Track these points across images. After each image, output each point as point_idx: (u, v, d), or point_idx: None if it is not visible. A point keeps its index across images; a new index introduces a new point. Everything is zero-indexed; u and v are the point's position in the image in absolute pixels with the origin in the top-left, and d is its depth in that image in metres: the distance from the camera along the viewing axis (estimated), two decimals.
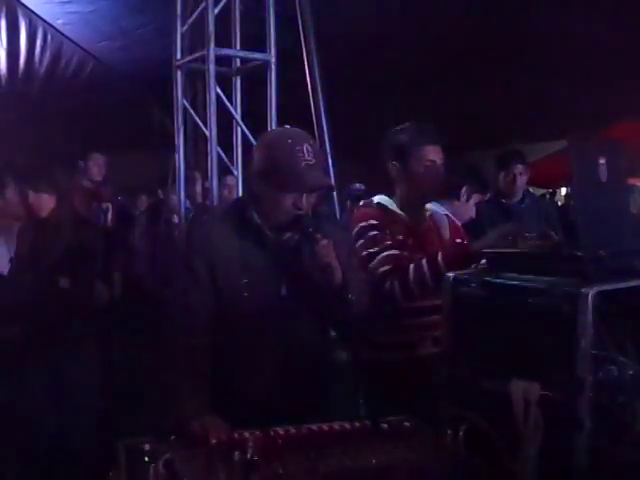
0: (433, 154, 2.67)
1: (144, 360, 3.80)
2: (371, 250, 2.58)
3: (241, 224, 2.20)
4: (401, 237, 2.64)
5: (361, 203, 2.82)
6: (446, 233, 2.81)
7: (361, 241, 2.61)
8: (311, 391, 2.25)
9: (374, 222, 2.63)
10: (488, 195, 4.57)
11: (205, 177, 4.16)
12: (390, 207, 2.71)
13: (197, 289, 2.17)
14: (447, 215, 2.89)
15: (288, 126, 2.30)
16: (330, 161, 3.76)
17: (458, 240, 2.78)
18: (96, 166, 5.32)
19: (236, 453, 1.67)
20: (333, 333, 2.58)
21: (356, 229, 2.64)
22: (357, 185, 6.93)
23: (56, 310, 3.33)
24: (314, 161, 2.14)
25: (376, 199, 2.74)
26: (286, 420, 1.98)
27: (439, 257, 2.46)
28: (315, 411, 2.17)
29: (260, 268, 2.18)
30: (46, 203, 3.53)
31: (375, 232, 2.60)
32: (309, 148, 2.15)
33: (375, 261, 2.56)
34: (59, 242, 3.52)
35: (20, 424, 3.29)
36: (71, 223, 3.64)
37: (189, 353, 2.12)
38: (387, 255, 2.56)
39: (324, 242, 2.15)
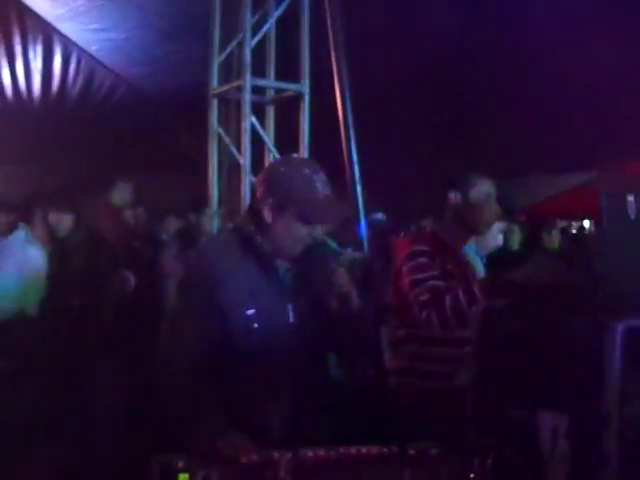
0: (491, 188, 2.74)
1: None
2: (417, 277, 2.60)
3: (248, 253, 2.16)
4: (449, 267, 2.66)
5: (413, 228, 2.83)
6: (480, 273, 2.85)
7: (409, 264, 2.63)
8: (318, 419, 2.23)
9: (425, 248, 2.65)
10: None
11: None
12: (442, 235, 2.76)
13: (197, 317, 2.13)
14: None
15: (295, 155, 2.27)
16: (359, 189, 3.82)
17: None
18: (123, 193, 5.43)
19: (268, 472, 1.70)
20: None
21: (407, 252, 2.67)
22: (379, 215, 6.83)
23: (66, 328, 3.42)
24: (330, 192, 2.15)
25: (429, 226, 2.78)
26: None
27: (474, 287, 2.49)
28: (323, 439, 2.17)
29: (269, 297, 2.15)
30: (65, 223, 3.67)
31: (424, 259, 2.62)
32: (324, 178, 2.15)
33: (418, 289, 2.58)
34: (76, 262, 3.65)
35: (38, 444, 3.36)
36: (88, 243, 3.76)
37: (192, 381, 2.08)
38: (430, 285, 2.57)
39: (340, 271, 2.16)
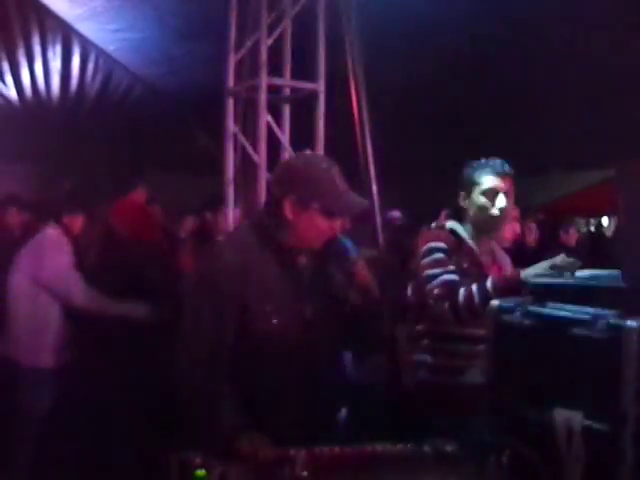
0: (495, 184, 2.72)
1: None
2: (432, 272, 2.62)
3: (267, 249, 2.17)
4: (465, 265, 2.68)
5: (433, 225, 2.86)
6: (508, 270, 2.84)
7: (425, 260, 2.66)
8: (332, 414, 2.27)
9: (442, 245, 2.67)
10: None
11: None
12: (461, 234, 2.76)
13: (214, 314, 2.12)
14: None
15: (309, 151, 2.29)
16: (375, 188, 3.83)
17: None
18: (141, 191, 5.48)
19: (286, 469, 1.72)
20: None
21: (424, 248, 2.68)
22: (394, 212, 6.74)
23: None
24: (346, 185, 2.19)
25: (449, 224, 2.79)
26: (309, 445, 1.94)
27: (488, 284, 2.49)
28: (339, 436, 2.18)
29: (287, 293, 2.17)
30: (79, 223, 3.77)
31: (440, 255, 2.64)
32: (339, 172, 2.19)
33: (433, 283, 2.60)
34: (88, 260, 3.74)
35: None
36: (101, 241, 3.84)
37: (210, 379, 2.10)
38: (445, 279, 2.59)
39: (360, 263, 2.17)
